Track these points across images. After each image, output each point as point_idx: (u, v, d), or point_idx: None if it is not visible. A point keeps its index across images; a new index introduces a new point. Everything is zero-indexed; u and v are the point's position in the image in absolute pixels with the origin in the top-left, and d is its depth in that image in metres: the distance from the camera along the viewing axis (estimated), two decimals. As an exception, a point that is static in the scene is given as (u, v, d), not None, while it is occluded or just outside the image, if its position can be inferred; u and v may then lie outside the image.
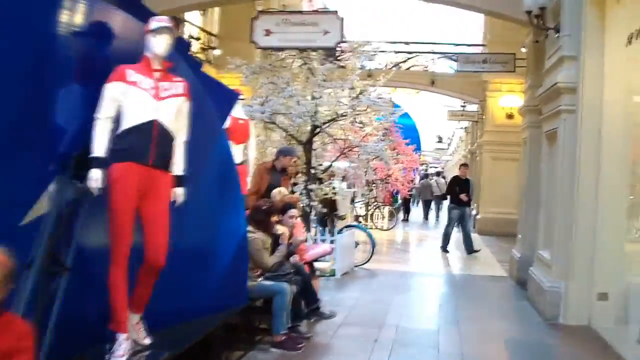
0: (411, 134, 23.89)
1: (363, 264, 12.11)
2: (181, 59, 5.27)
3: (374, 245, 12.13)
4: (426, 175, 27.64)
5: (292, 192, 10.82)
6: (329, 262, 7.62)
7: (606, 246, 7.69)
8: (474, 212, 22.46)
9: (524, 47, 15.21)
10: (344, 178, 14.00)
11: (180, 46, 5.80)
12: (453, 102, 27.50)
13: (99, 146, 4.08)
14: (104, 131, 4.11)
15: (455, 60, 17.74)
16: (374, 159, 11.86)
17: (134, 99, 4.16)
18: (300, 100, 10.51)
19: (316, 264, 7.73)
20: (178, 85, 4.41)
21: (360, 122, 12.11)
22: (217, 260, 5.55)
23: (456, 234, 19.25)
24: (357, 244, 12.48)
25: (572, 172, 7.99)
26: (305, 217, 11.17)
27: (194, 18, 19.53)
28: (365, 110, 11.58)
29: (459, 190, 14.51)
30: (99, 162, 4.06)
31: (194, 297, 5.21)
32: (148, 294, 4.39)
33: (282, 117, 11.15)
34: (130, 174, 4.13)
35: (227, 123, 8.19)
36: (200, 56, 18.56)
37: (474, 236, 19.34)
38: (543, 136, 9.37)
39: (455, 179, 15.08)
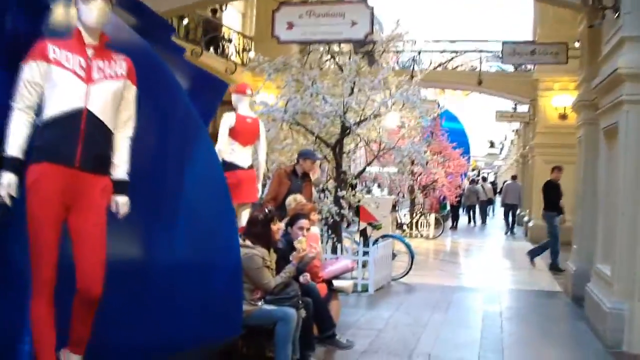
0: (459, 139, 22.63)
1: (401, 277, 11.06)
2: (158, 42, 4.39)
3: (412, 256, 11.04)
4: (473, 181, 26.39)
5: (317, 199, 9.85)
6: (350, 281, 6.61)
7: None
8: (525, 219, 21.12)
9: (577, 40, 13.99)
10: (379, 185, 12.93)
11: (162, 30, 4.94)
12: (504, 105, 26.18)
13: (13, 143, 3.19)
14: (20, 124, 3.21)
15: (500, 58, 16.39)
16: (413, 163, 10.75)
17: (57, 82, 3.25)
18: (327, 98, 9.51)
19: (337, 282, 6.71)
20: (118, 65, 3.49)
21: (401, 124, 11.01)
22: (201, 282, 4.57)
23: (505, 242, 17.97)
24: (394, 255, 11.42)
25: (636, 174, 6.82)
26: (334, 226, 10.18)
27: (233, 22, 18.85)
28: (401, 108, 10.50)
29: (555, 196, 12.99)
30: (11, 164, 3.16)
31: (169, 328, 4.26)
32: (87, 330, 3.44)
33: (310, 119, 10.20)
34: (51, 178, 3.23)
35: (232, 121, 7.29)
36: (237, 60, 17.86)
37: (526, 244, 18.12)
38: (601, 134, 8.18)
39: (550, 184, 13.25)
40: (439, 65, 20.78)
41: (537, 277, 12.13)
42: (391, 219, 15.36)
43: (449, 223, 23.34)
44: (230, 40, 18.39)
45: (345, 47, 11.16)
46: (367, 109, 9.94)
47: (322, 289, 6.47)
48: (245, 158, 7.37)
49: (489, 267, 13.65)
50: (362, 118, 9.80)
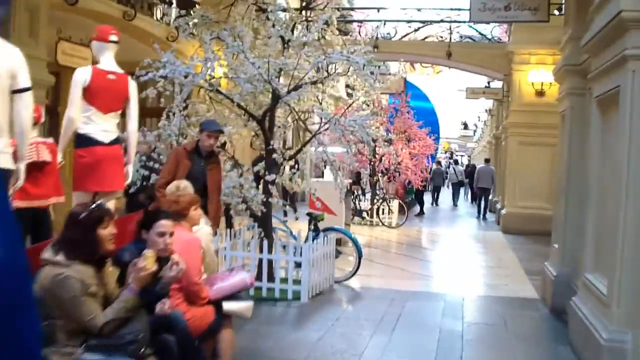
0: (428, 118, 20.73)
1: (346, 280, 9.17)
2: None
3: (360, 255, 9.14)
4: (439, 162, 24.97)
5: (238, 184, 7.88)
6: (249, 303, 4.70)
7: None
8: (498, 206, 19.37)
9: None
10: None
11: None
12: (477, 83, 24.27)
13: None
14: None
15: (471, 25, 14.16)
16: (360, 142, 8.76)
17: None
18: (250, 57, 7.49)
19: (229, 305, 4.77)
20: None
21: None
22: None
23: (477, 231, 16.22)
24: (338, 252, 9.52)
25: (646, 154, 4.97)
26: (262, 220, 8.23)
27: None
28: (348, 74, 8.49)
29: None
30: None
31: None
32: None
33: (232, 85, 8.21)
34: None
35: (87, 78, 5.28)
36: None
37: (498, 234, 16.35)
38: (593, 104, 6.30)
39: None
40: (405, 35, 18.78)
41: (509, 278, 10.29)
42: (345, 206, 13.43)
43: (417, 209, 21.49)
44: (170, 4, 16.24)
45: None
46: (301, 72, 7.94)
47: (206, 315, 4.54)
48: (107, 130, 5.40)
49: (455, 264, 11.78)
50: (294, 84, 7.79)
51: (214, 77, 7.78)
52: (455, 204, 26.78)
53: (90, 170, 5.18)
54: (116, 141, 5.47)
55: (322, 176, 14.74)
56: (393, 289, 9.07)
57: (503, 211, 17.36)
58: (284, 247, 8.50)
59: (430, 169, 18.86)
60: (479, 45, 18.35)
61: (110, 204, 5.36)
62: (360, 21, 19.44)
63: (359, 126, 7.49)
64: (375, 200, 17.77)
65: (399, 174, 18.55)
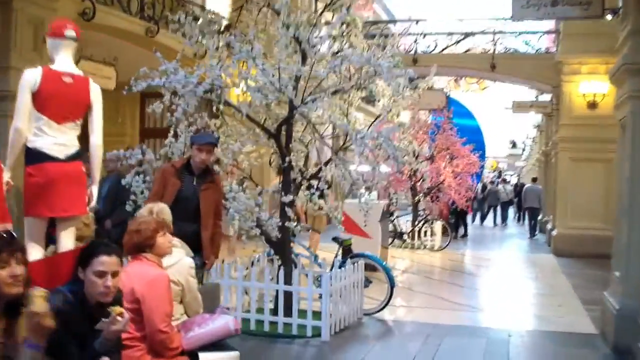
0: (473, 137, 19.52)
1: (376, 312, 8.19)
2: None
3: (392, 285, 8.13)
4: (492, 182, 24.26)
5: (251, 208, 7.00)
6: (231, 354, 3.77)
7: None
8: (548, 226, 18.11)
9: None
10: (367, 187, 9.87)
11: None
12: (526, 98, 23.07)
13: None
14: None
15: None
16: (387, 159, 7.77)
17: None
18: (260, 63, 6.62)
19: (210, 356, 3.85)
20: None
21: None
22: None
23: (526, 255, 15.03)
24: (369, 281, 8.54)
25: None
26: (278, 246, 7.34)
27: None
28: (372, 80, 7.50)
29: None
30: None
31: None
32: None
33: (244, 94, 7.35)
34: None
35: (36, 81, 4.44)
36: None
37: (549, 256, 15.12)
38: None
39: None
40: (446, 48, 17.78)
41: (563, 309, 9.15)
42: (382, 228, 12.46)
43: (461, 231, 20.24)
44: (197, 19, 15.60)
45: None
46: (317, 78, 7.02)
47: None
48: (63, 143, 4.52)
49: (501, 292, 10.66)
50: (310, 92, 6.88)
51: (221, 88, 6.92)
52: (504, 222, 26.58)
53: (43, 192, 4.32)
54: (76, 157, 4.59)
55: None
56: (430, 322, 8.03)
57: (554, 232, 16.12)
58: (307, 275, 7.61)
59: (475, 189, 17.64)
60: (525, 56, 17.25)
61: (69, 234, 4.51)
62: (398, 34, 18.50)
63: (385, 139, 6.52)
64: (416, 222, 16.70)
65: (442, 194, 17.45)
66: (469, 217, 21.54)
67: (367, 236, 12.01)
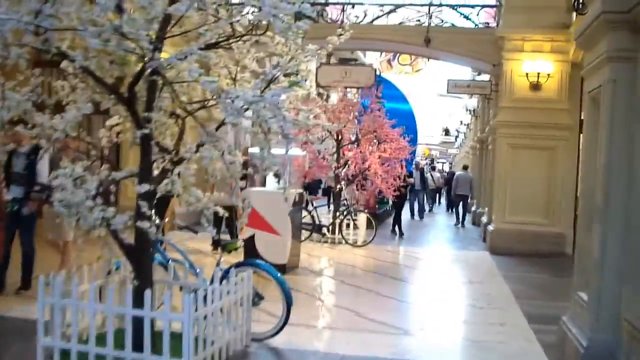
0: (405, 122, 17.72)
1: (269, 337, 6.24)
2: None
3: (289, 303, 6.18)
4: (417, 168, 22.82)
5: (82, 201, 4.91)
6: None
7: None
8: (484, 220, 16.54)
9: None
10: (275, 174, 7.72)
11: None
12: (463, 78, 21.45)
13: None
14: None
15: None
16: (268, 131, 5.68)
17: None
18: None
19: None
20: None
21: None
22: None
23: (459, 252, 13.37)
24: (260, 297, 6.54)
25: None
26: (135, 251, 5.28)
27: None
28: (271, 37, 5.50)
29: None
30: None
31: None
32: None
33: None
34: None
35: None
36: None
37: (484, 254, 13.49)
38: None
39: None
40: (376, 18, 15.86)
41: (505, 329, 7.37)
42: (293, 221, 10.53)
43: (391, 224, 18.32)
44: None
45: None
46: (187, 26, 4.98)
47: None
48: None
49: (433, 305, 8.84)
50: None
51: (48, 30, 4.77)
52: (430, 210, 26.74)
53: None
54: None
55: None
56: (337, 352, 6.13)
57: (490, 227, 14.51)
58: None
59: (404, 177, 15.86)
60: (463, 30, 15.48)
61: None
62: (324, 4, 16.50)
63: (271, 106, 4.51)
64: (337, 214, 14.79)
65: (369, 182, 15.62)
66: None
67: (276, 232, 10.12)
